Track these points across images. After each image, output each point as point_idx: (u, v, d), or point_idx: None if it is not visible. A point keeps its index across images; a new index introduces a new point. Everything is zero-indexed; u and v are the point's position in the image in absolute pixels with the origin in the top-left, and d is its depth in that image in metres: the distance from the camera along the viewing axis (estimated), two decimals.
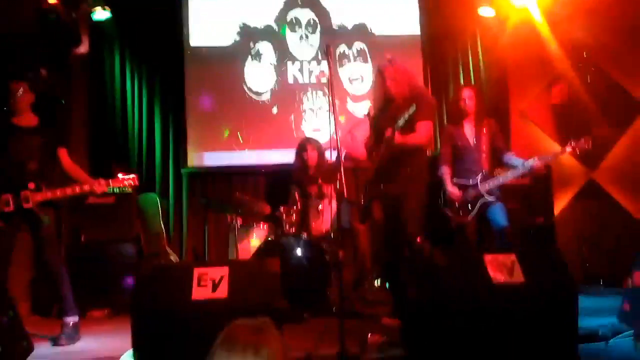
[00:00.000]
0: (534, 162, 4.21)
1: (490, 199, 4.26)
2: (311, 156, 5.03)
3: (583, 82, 5.73)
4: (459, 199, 4.33)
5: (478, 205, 4.27)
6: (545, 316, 2.84)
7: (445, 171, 4.44)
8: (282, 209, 4.73)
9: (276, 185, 5.07)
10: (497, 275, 2.91)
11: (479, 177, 4.29)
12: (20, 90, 3.95)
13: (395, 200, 3.93)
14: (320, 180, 4.88)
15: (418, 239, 3.88)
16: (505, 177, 4.29)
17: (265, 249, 4.43)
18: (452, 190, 4.36)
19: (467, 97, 4.41)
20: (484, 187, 4.26)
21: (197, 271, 2.79)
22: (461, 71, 6.25)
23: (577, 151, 4.13)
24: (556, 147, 5.60)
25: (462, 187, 4.35)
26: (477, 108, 4.41)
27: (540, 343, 2.80)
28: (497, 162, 4.40)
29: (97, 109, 5.91)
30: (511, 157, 4.33)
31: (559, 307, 2.87)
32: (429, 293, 2.96)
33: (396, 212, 3.94)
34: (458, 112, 4.48)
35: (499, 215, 4.25)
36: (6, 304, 3.04)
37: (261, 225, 4.91)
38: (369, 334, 3.41)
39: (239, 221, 4.94)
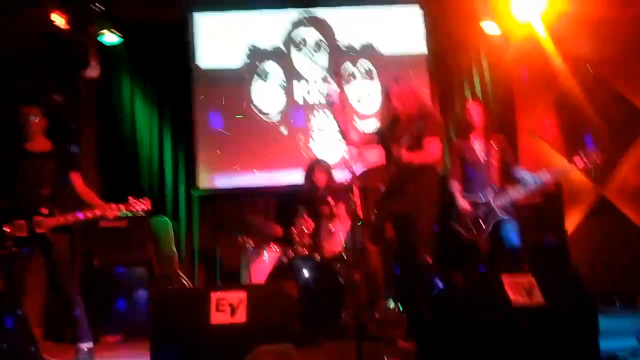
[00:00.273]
0: (544, 176, 4.19)
1: (503, 216, 4.22)
2: (320, 178, 5.02)
3: (589, 97, 5.72)
4: (471, 214, 4.29)
5: (491, 222, 4.23)
6: (566, 339, 2.81)
7: (455, 187, 4.41)
8: (294, 230, 4.72)
9: (287, 206, 5.06)
10: (516, 297, 2.87)
11: (491, 193, 4.26)
12: (34, 116, 3.97)
13: (406, 220, 3.91)
14: (331, 200, 4.86)
15: (429, 260, 3.86)
16: (517, 193, 4.23)
17: (278, 271, 4.41)
18: (463, 204, 4.31)
19: (475, 111, 4.41)
20: (496, 204, 4.23)
21: (214, 295, 2.80)
22: (467, 88, 6.26)
23: (588, 165, 4.08)
24: (565, 162, 5.61)
25: (473, 203, 4.32)
26: (484, 122, 4.40)
27: None
28: (507, 177, 4.35)
29: (107, 132, 5.95)
30: (521, 172, 4.29)
31: (579, 330, 2.84)
32: (446, 315, 2.94)
33: (406, 232, 3.92)
34: (465, 126, 4.47)
35: (512, 234, 4.21)
36: (30, 338, 3.02)
37: (272, 247, 4.89)
38: (386, 357, 3.39)
39: (251, 243, 4.92)
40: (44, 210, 3.79)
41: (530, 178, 4.22)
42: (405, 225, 3.92)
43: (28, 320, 3.22)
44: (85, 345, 3.88)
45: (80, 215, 3.84)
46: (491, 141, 4.37)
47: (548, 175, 4.21)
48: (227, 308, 2.75)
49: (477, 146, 4.40)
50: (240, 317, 2.73)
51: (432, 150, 3.97)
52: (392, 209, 3.96)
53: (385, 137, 4.14)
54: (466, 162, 4.40)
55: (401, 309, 4.76)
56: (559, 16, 5.72)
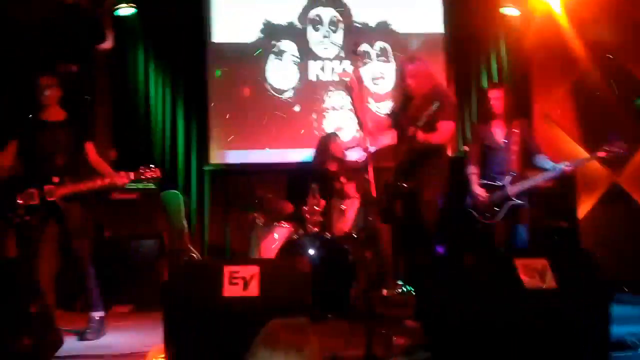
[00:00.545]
0: (565, 166, 4.14)
1: (518, 201, 4.19)
2: (331, 152, 4.99)
3: (608, 83, 5.63)
4: (485, 200, 4.25)
5: (505, 208, 4.20)
6: (578, 323, 2.80)
7: (472, 171, 4.36)
8: (305, 208, 4.71)
9: (298, 183, 5.06)
10: (528, 280, 2.85)
11: (508, 179, 4.22)
12: (49, 85, 3.97)
13: (413, 196, 3.94)
14: (342, 179, 4.85)
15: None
16: (534, 181, 4.21)
17: (288, 248, 4.41)
18: (478, 191, 4.29)
19: (494, 97, 4.32)
20: (512, 190, 4.19)
21: (227, 269, 2.79)
22: (484, 71, 6.18)
23: (611, 156, 4.04)
24: (580, 150, 5.57)
25: (490, 189, 4.28)
26: (506, 108, 4.31)
27: (572, 351, 2.76)
28: (528, 163, 4.31)
29: (120, 105, 5.94)
30: (543, 160, 4.24)
31: (592, 314, 2.83)
32: (456, 297, 2.93)
33: (413, 206, 3.95)
34: (485, 112, 4.40)
35: (521, 239, 4.21)
36: (37, 295, 3.07)
37: (283, 224, 4.89)
38: (394, 336, 3.40)
39: (261, 219, 4.93)
40: (55, 179, 3.81)
41: (550, 166, 4.17)
42: (413, 201, 3.95)
43: (50, 309, 3.26)
44: (97, 314, 3.94)
45: (90, 184, 3.86)
46: (513, 127, 4.30)
47: (570, 166, 4.14)
48: (240, 281, 2.75)
49: (498, 131, 4.33)
50: (253, 290, 2.74)
51: (445, 132, 4.00)
52: (402, 187, 3.94)
53: (398, 117, 4.12)
54: (486, 147, 4.34)
55: (410, 289, 4.78)
56: (580, 1, 5.62)
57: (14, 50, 4.98)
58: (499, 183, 4.24)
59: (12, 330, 2.83)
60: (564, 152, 5.53)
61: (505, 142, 4.28)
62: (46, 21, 5.20)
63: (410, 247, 4.17)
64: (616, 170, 5.66)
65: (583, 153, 5.32)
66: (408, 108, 4.05)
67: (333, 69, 6.11)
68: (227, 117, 6.01)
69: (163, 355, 2.77)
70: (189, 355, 2.70)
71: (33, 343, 2.93)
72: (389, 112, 4.28)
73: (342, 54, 6.10)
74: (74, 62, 5.18)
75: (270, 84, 6.07)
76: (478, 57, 6.21)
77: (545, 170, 4.20)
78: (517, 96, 5.90)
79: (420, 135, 3.81)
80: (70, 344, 3.60)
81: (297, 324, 1.63)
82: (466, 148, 5.90)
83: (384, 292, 4.79)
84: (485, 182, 4.31)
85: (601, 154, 4.07)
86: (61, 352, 3.17)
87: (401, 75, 4.10)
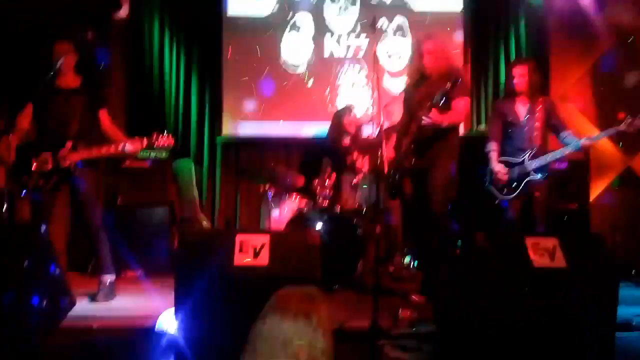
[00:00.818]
0: (584, 140, 4.06)
1: (536, 177, 4.12)
2: (348, 124, 4.96)
3: (629, 67, 5.55)
4: (505, 177, 4.20)
5: (523, 183, 4.14)
6: (585, 303, 2.79)
7: (493, 148, 4.28)
8: (315, 181, 4.72)
9: (310, 157, 5.06)
10: (538, 259, 2.83)
11: (528, 154, 4.15)
12: (66, 51, 3.96)
13: (422, 175, 3.92)
14: (355, 154, 4.84)
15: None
16: (553, 155, 4.12)
17: (297, 221, 4.43)
18: (498, 168, 4.21)
19: (518, 74, 4.21)
20: (530, 165, 4.12)
21: (239, 237, 2.80)
22: (502, 51, 6.10)
23: (632, 130, 3.92)
24: (596, 132, 5.50)
25: (509, 165, 4.21)
26: (530, 85, 4.21)
27: (579, 330, 2.76)
28: (553, 141, 4.24)
29: (135, 74, 5.95)
30: (568, 136, 4.15)
31: (599, 295, 2.82)
32: (463, 274, 2.94)
33: (422, 187, 3.92)
34: (509, 89, 4.31)
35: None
36: (53, 257, 3.12)
37: (293, 197, 4.90)
38: (400, 309, 3.43)
39: (272, 191, 4.94)
40: (68, 144, 3.83)
41: (573, 141, 4.10)
42: (421, 181, 3.93)
43: (64, 270, 3.30)
44: (108, 278, 3.99)
45: (103, 150, 3.86)
46: (537, 103, 4.21)
47: (588, 139, 4.09)
48: (251, 250, 2.77)
49: (521, 108, 4.24)
50: (263, 260, 2.75)
51: (462, 110, 3.96)
52: (411, 164, 3.94)
53: (411, 94, 4.09)
54: (507, 123, 4.26)
55: (416, 264, 4.81)
56: None
57: (31, 17, 4.98)
58: (519, 159, 4.19)
59: (29, 291, 2.88)
60: (580, 134, 5.45)
61: (527, 117, 4.20)
62: None
63: (419, 225, 4.15)
64: (630, 153, 5.61)
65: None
66: (422, 86, 4.01)
67: (348, 45, 6.06)
68: (240, 89, 6.01)
69: (174, 319, 2.81)
70: (199, 321, 2.73)
71: (48, 303, 2.98)
72: (404, 90, 4.24)
73: (358, 29, 6.03)
74: (90, 29, 5.16)
75: (284, 59, 6.04)
76: (496, 36, 6.12)
77: (567, 145, 4.11)
78: None
79: (436, 116, 3.76)
80: (82, 305, 3.64)
81: (307, 292, 1.65)
82: (481, 127, 5.88)
83: (391, 267, 4.85)
84: (505, 158, 4.25)
85: (623, 126, 3.96)
86: (73, 312, 3.21)
87: (417, 53, 4.03)
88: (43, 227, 3.11)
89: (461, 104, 3.92)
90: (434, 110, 3.76)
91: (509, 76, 4.32)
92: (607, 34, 5.62)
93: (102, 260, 4.00)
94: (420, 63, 4.00)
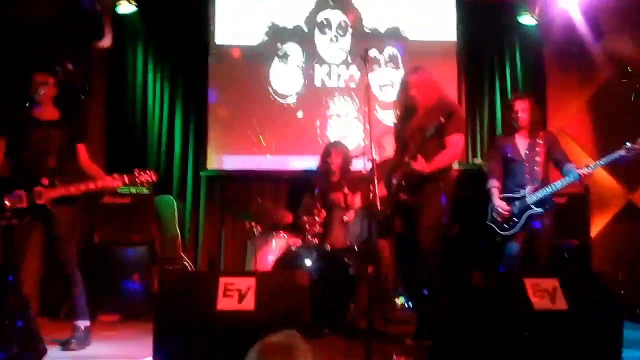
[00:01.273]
0: (584, 170, 3.98)
1: (537, 211, 4.03)
2: (335, 161, 4.85)
3: (627, 98, 5.43)
4: (507, 213, 4.10)
5: (524, 217, 4.06)
6: (589, 346, 2.74)
7: (494, 185, 4.22)
8: (304, 218, 4.55)
9: (299, 193, 4.91)
10: (538, 301, 2.78)
11: (528, 188, 4.08)
12: (46, 83, 3.84)
13: (413, 214, 3.81)
14: (346, 189, 4.68)
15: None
16: (553, 188, 4.04)
17: (286, 260, 4.24)
18: (500, 204, 4.13)
19: (520, 109, 4.17)
20: (531, 199, 4.04)
21: (222, 280, 2.73)
22: (497, 82, 6.00)
23: (634, 154, 3.85)
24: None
25: (510, 201, 4.13)
26: (531, 120, 4.17)
27: None
28: (556, 174, 4.16)
29: (116, 105, 5.80)
30: (571, 169, 4.06)
31: (603, 337, 2.77)
32: (463, 315, 2.86)
33: (412, 225, 3.81)
34: (510, 124, 4.24)
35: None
36: (22, 305, 2.93)
37: (281, 234, 4.71)
38: (395, 355, 3.29)
39: (258, 229, 4.75)
40: (45, 181, 3.67)
41: (574, 173, 3.99)
42: (413, 218, 3.82)
43: (35, 318, 3.17)
44: (82, 323, 3.81)
45: (82, 187, 3.73)
46: (538, 138, 4.16)
47: (587, 169, 3.99)
48: (235, 294, 2.69)
49: (521, 143, 4.19)
50: (249, 304, 2.69)
51: (456, 148, 3.88)
52: (403, 202, 3.83)
53: (402, 129, 3.99)
54: (508, 159, 4.21)
55: (411, 306, 4.62)
56: (601, 12, 5.43)
57: (11, 47, 4.85)
58: (520, 194, 4.11)
59: None
60: (580, 166, 5.34)
61: (528, 153, 4.14)
62: (45, 18, 5.08)
63: (410, 265, 3.99)
64: (630, 187, 5.49)
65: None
66: (410, 120, 3.91)
67: (339, 75, 5.93)
68: (226, 121, 5.83)
69: None
70: None
71: (16, 352, 2.89)
72: (393, 123, 4.14)
73: (350, 60, 5.92)
74: (71, 60, 5.03)
75: (273, 88, 5.89)
76: (492, 67, 6.03)
77: (568, 177, 4.03)
78: None
79: (421, 166, 3.66)
80: (53, 353, 3.46)
81: (287, 343, 1.58)
82: (477, 160, 5.75)
83: (385, 309, 4.65)
84: (506, 195, 4.17)
85: (623, 151, 3.88)
86: None
87: (404, 86, 3.97)
88: (10, 278, 2.92)
89: (455, 140, 3.84)
90: (419, 157, 3.67)
91: (510, 111, 4.25)
92: (605, 64, 5.52)
93: (76, 303, 3.83)
94: (406, 96, 3.92)
